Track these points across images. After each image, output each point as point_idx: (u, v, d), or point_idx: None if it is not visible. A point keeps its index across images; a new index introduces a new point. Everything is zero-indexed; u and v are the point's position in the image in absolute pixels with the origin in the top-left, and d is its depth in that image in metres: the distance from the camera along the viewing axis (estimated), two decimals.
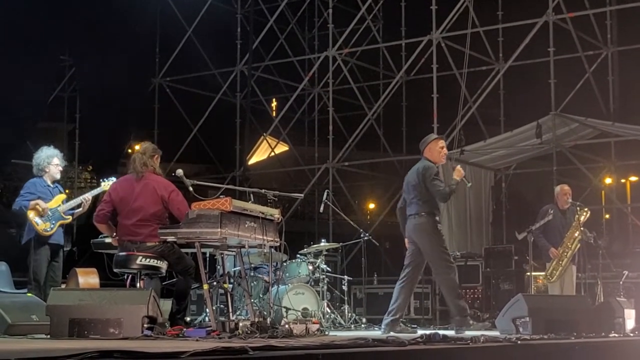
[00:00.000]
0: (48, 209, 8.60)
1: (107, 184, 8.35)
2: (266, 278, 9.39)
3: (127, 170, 7.61)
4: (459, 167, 8.67)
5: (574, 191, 10.75)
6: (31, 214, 8.55)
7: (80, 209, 8.84)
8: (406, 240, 8.70)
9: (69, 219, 8.86)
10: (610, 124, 14.48)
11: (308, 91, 19.58)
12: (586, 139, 15.11)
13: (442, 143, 8.72)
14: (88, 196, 8.85)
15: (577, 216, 9.94)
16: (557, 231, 10.15)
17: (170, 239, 7.07)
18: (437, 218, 8.56)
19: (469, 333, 7.79)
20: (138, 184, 7.40)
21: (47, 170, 8.80)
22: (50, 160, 8.83)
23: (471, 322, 8.42)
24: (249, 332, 6.46)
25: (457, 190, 8.82)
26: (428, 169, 8.52)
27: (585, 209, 10.22)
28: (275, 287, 9.28)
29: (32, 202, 8.55)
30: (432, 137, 8.82)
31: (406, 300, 8.67)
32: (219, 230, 6.65)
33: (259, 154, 21.52)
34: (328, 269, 10.95)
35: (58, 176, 8.91)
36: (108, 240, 8.08)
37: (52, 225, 8.62)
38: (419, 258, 8.57)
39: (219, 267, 9.30)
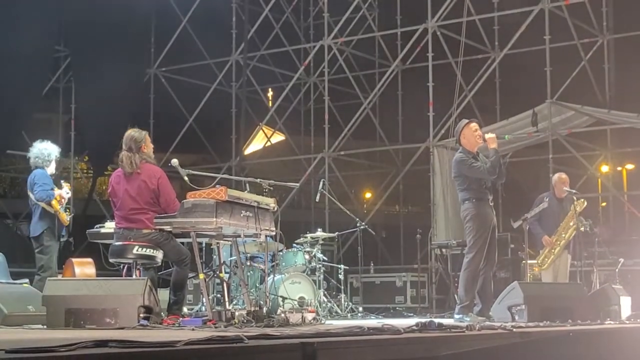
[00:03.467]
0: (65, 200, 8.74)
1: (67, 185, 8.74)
2: (262, 267, 9.40)
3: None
4: (488, 135, 8.39)
5: (571, 179, 10.74)
6: (58, 205, 8.62)
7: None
8: None
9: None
10: (606, 112, 14.47)
11: (304, 80, 19.53)
12: (582, 127, 15.09)
13: (474, 126, 8.44)
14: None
15: (573, 206, 9.90)
16: (553, 219, 10.11)
17: (166, 228, 7.07)
18: (487, 200, 8.37)
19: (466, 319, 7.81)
20: (129, 176, 7.34)
21: (49, 165, 8.88)
22: (56, 155, 8.96)
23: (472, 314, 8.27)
24: (245, 321, 6.47)
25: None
26: (460, 162, 8.35)
27: (582, 200, 10.18)
28: (272, 276, 9.29)
29: (57, 193, 8.62)
30: (464, 123, 8.50)
31: (482, 287, 8.35)
32: (214, 219, 6.66)
33: (255, 144, 21.48)
34: (324, 258, 10.96)
35: (54, 170, 9.03)
36: (104, 230, 8.09)
37: (68, 216, 8.74)
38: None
39: (215, 256, 9.30)
